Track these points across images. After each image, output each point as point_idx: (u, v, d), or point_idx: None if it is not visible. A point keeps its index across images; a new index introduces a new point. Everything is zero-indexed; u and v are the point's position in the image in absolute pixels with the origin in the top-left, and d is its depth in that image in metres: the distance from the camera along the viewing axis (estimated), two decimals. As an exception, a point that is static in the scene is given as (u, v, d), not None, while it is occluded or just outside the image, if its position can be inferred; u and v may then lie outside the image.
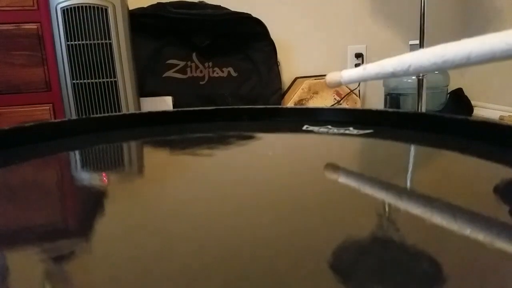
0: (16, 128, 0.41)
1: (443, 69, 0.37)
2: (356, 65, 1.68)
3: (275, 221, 0.22)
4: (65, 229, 0.23)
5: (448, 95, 1.67)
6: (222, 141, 0.41)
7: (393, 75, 0.40)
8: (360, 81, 0.49)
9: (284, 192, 0.28)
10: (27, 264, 0.19)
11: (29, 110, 1.09)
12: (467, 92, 1.73)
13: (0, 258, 0.19)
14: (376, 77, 0.41)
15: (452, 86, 1.70)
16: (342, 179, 0.31)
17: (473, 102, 1.73)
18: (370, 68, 0.42)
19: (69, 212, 0.26)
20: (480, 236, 0.20)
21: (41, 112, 1.09)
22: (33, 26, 1.06)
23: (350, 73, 0.45)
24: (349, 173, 0.33)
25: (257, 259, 0.18)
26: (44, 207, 0.26)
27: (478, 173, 0.31)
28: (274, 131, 0.48)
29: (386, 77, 0.43)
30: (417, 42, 1.30)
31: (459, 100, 1.70)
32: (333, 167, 0.33)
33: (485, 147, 0.36)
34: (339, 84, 0.46)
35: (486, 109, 1.72)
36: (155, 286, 0.16)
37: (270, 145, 0.43)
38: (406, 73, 0.38)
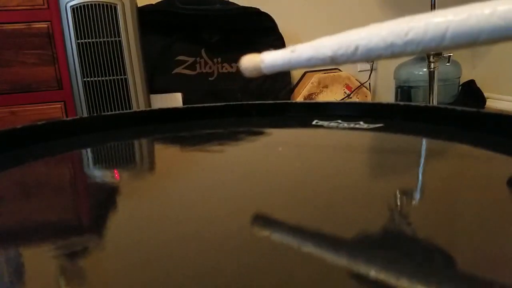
0: (28, 127, 0.42)
1: (405, 53, 0.25)
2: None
3: (286, 217, 0.22)
4: (78, 225, 0.23)
5: (460, 87, 1.64)
6: (232, 137, 0.41)
7: (334, 61, 0.29)
8: (288, 68, 0.34)
9: (295, 187, 0.28)
10: (41, 260, 0.19)
11: (41, 108, 1.10)
12: (479, 84, 1.71)
13: (15, 255, 0.20)
14: (308, 63, 0.30)
15: (464, 78, 1.67)
16: (351, 159, 0.31)
17: (485, 94, 1.71)
18: (301, 51, 0.31)
19: (82, 209, 0.27)
20: (492, 229, 0.20)
21: (53, 110, 1.11)
22: (43, 25, 1.07)
23: (274, 57, 0.33)
24: (361, 168, 0.32)
25: (267, 254, 0.18)
26: (57, 204, 0.27)
27: (491, 166, 0.31)
28: (284, 126, 0.48)
29: (323, 64, 0.30)
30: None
31: (471, 92, 1.67)
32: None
33: (498, 140, 0.36)
34: (259, 72, 0.34)
35: (499, 101, 1.69)
36: (168, 282, 0.16)
37: (280, 140, 0.43)
38: (352, 58, 0.28)
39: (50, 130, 0.43)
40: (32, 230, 0.22)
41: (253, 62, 0.34)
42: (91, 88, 1.07)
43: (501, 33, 0.21)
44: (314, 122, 0.45)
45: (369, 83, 1.65)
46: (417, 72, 1.52)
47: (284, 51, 0.32)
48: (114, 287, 0.17)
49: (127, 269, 0.18)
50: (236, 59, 1.40)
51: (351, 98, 1.57)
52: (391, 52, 0.26)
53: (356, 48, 0.27)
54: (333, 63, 0.29)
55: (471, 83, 1.69)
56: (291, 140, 0.43)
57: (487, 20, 0.21)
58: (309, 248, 0.19)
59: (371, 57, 0.27)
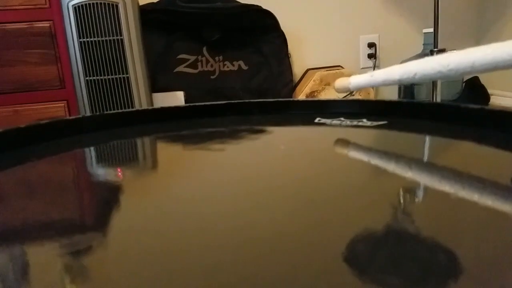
0: (32, 126, 0.42)
1: (449, 77, 0.39)
2: (369, 55, 1.66)
3: (288, 214, 0.23)
4: (82, 224, 0.23)
5: (464, 83, 1.63)
6: (234, 135, 0.42)
7: (400, 82, 0.42)
8: (367, 86, 0.53)
9: (297, 185, 0.28)
10: (46, 259, 0.19)
11: (44, 107, 1.10)
12: (483, 80, 1.70)
13: (20, 253, 0.20)
14: (383, 84, 0.44)
15: (468, 75, 1.67)
16: (353, 157, 0.31)
17: (489, 91, 1.70)
18: (377, 76, 0.45)
19: (85, 207, 0.27)
20: (497, 228, 0.20)
21: (56, 109, 1.11)
22: (45, 24, 1.07)
23: (358, 80, 0.48)
24: (362, 162, 0.32)
25: (271, 252, 0.18)
26: (61, 203, 0.27)
27: (495, 163, 0.31)
28: (286, 124, 0.48)
29: (392, 84, 0.45)
30: (431, 30, 1.28)
31: (475, 89, 1.67)
32: (344, 143, 0.34)
33: (502, 136, 0.36)
34: (347, 90, 0.50)
35: (503, 98, 1.69)
36: (172, 280, 0.17)
37: (282, 138, 0.43)
38: (412, 80, 0.40)
39: (53, 129, 0.44)
40: (36, 229, 0.23)
41: (343, 84, 0.49)
42: (93, 87, 1.08)
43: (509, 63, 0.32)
44: (316, 120, 0.45)
45: (372, 81, 1.65)
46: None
47: (365, 76, 0.47)
48: (118, 284, 0.17)
49: (131, 267, 0.18)
50: (238, 57, 1.40)
51: (353, 95, 1.56)
52: (438, 77, 0.38)
53: (415, 74, 0.40)
54: (399, 83, 0.43)
55: (474, 80, 1.68)
56: (293, 138, 0.43)
57: (499, 54, 0.32)
58: (311, 246, 0.19)
59: (425, 80, 0.41)
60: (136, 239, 0.21)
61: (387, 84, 0.44)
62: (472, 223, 0.21)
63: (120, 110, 0.49)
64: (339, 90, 0.51)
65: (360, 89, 0.58)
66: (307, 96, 1.52)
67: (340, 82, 0.50)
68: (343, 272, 0.17)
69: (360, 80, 0.48)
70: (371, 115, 0.45)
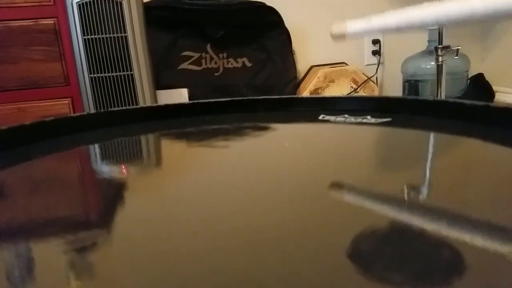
0: (37, 123, 0.43)
1: (445, 24, 0.40)
2: (374, 52, 1.66)
3: (292, 212, 0.23)
4: (87, 220, 0.24)
5: (469, 80, 1.62)
6: (238, 132, 0.42)
7: (397, 29, 0.43)
8: (364, 32, 0.51)
9: (301, 183, 0.28)
10: (51, 255, 0.19)
11: (49, 104, 1.11)
12: (488, 77, 1.69)
13: (25, 250, 0.20)
14: (379, 30, 0.45)
15: (473, 71, 1.66)
16: (358, 154, 0.31)
17: (494, 88, 1.69)
18: (374, 22, 0.46)
19: (90, 204, 0.27)
20: (501, 225, 0.20)
21: (61, 106, 1.11)
22: (50, 21, 1.07)
23: (355, 26, 0.48)
24: (367, 159, 0.32)
25: (274, 250, 0.18)
26: (65, 199, 0.27)
27: (500, 160, 0.31)
28: (290, 121, 0.48)
29: (389, 31, 0.46)
30: (436, 26, 1.27)
31: (480, 86, 1.66)
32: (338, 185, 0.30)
33: (507, 133, 0.36)
34: (343, 37, 0.49)
35: (508, 95, 1.68)
36: (176, 277, 0.17)
37: (286, 135, 0.43)
38: (410, 28, 0.41)
39: (58, 126, 0.44)
40: (41, 225, 0.23)
41: (340, 29, 0.48)
42: (98, 84, 1.08)
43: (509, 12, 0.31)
44: (320, 117, 0.45)
45: (376, 77, 1.64)
46: (424, 66, 1.51)
47: (362, 21, 0.47)
48: (123, 281, 0.17)
49: (136, 264, 0.18)
50: (242, 54, 1.40)
51: (358, 92, 1.56)
52: (434, 23, 0.38)
53: (413, 21, 0.40)
54: (396, 31, 0.43)
55: (479, 77, 1.67)
56: (298, 135, 0.43)
57: (500, 2, 0.32)
58: (315, 244, 0.19)
59: (423, 27, 0.47)
60: (141, 235, 0.21)
61: (383, 30, 0.46)
62: (476, 220, 0.21)
63: (124, 107, 0.49)
64: (335, 35, 0.50)
65: (356, 36, 0.58)
66: (311, 93, 1.51)
67: (337, 28, 0.50)
68: (348, 269, 0.17)
69: (357, 26, 0.48)
70: (375, 112, 0.45)
